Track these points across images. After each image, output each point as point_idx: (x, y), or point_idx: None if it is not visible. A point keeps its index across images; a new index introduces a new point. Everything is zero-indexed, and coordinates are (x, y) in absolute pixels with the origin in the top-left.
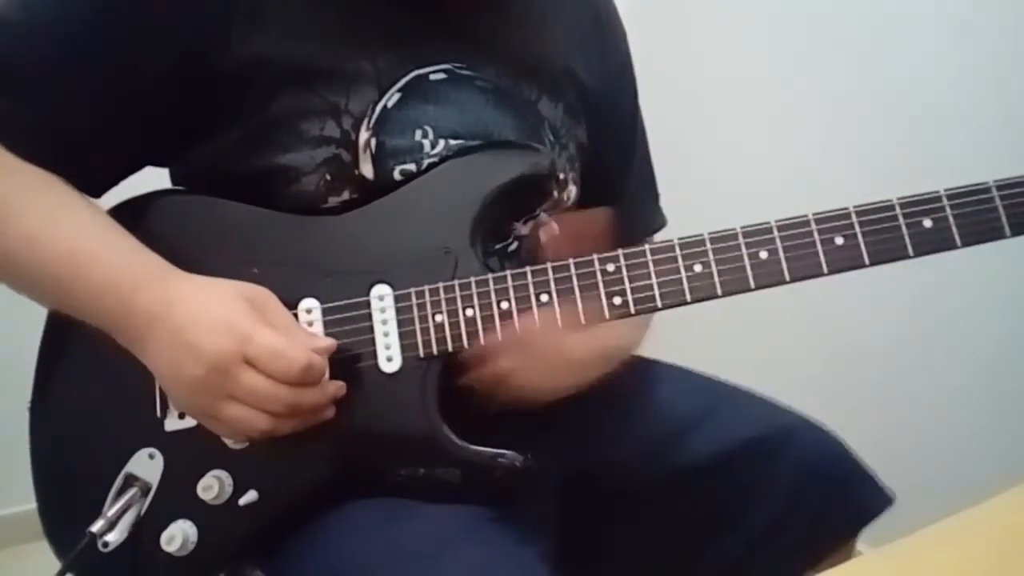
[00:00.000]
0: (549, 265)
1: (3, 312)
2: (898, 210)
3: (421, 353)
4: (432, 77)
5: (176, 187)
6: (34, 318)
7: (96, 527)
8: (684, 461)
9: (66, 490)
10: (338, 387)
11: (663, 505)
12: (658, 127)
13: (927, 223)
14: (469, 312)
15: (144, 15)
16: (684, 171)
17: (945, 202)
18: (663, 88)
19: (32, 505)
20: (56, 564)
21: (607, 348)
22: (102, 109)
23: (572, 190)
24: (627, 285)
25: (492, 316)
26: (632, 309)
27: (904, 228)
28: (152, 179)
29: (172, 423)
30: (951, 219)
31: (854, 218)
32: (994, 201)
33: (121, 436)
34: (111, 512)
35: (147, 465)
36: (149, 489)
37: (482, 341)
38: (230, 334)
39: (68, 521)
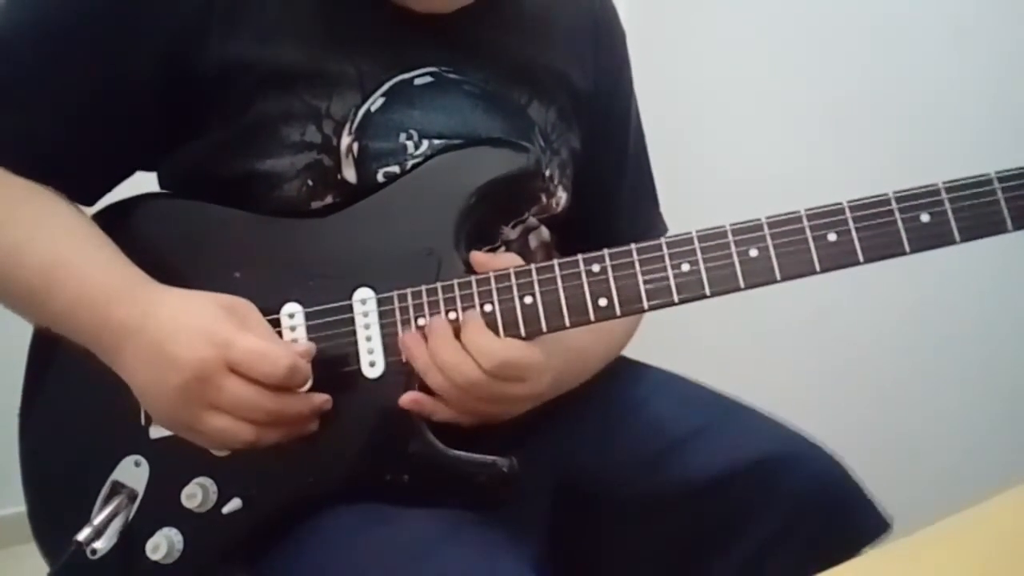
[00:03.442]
0: (533, 266)
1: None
2: (894, 204)
3: (404, 358)
4: (417, 82)
5: (162, 191)
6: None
7: (83, 535)
8: (679, 477)
9: (55, 497)
10: (324, 400)
11: (657, 519)
12: (658, 127)
13: (924, 217)
14: (452, 315)
15: (122, 21)
16: (683, 171)
17: (944, 195)
18: (663, 88)
19: None
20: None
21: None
22: (86, 117)
23: (562, 196)
24: (612, 286)
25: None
26: (618, 311)
27: (900, 223)
28: (141, 182)
29: (157, 430)
30: (950, 213)
31: (848, 213)
32: (995, 193)
33: (107, 443)
34: (98, 520)
35: (133, 472)
36: (135, 496)
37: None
38: (210, 342)
39: (57, 527)
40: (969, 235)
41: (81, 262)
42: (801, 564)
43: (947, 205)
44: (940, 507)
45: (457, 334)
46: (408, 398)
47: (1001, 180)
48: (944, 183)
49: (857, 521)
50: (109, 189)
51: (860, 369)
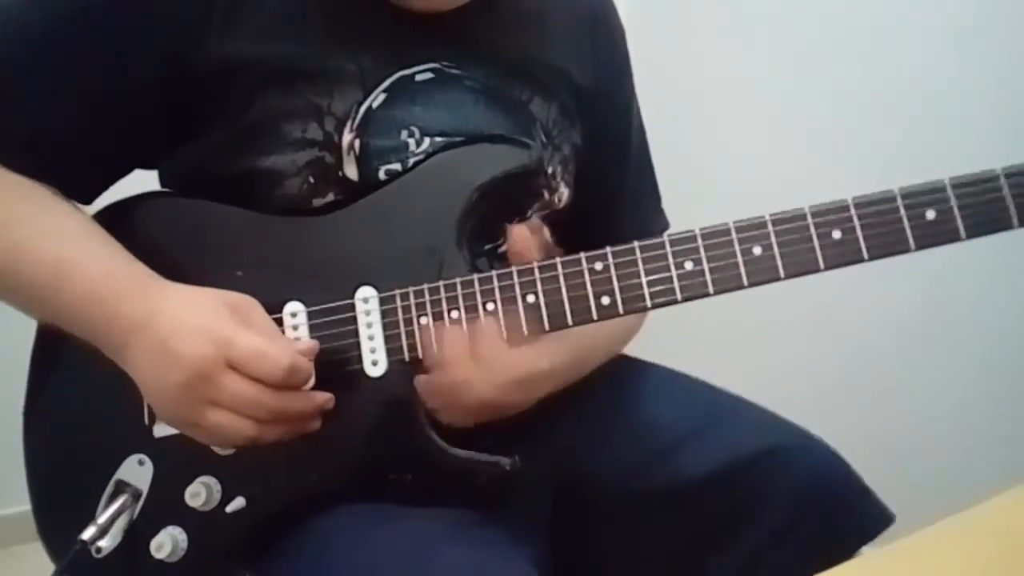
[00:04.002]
0: (536, 264)
1: (2, 313)
2: (899, 201)
3: (406, 356)
4: (418, 78)
5: (163, 189)
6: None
7: (87, 534)
8: (680, 475)
9: (60, 495)
10: (327, 399)
11: (658, 517)
12: (658, 127)
13: (930, 214)
14: (455, 314)
15: (122, 18)
16: (684, 171)
17: (949, 191)
18: (663, 88)
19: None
20: (53, 566)
21: (569, 354)
22: (86, 115)
23: (564, 192)
24: (615, 284)
25: (478, 318)
26: (620, 309)
27: (906, 220)
28: (141, 181)
29: (161, 429)
30: (956, 209)
31: (852, 211)
32: (1002, 190)
33: (112, 442)
34: (102, 518)
35: (137, 471)
36: (140, 495)
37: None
38: (211, 339)
39: (62, 525)
40: (975, 232)
41: (87, 259)
42: (803, 558)
43: (953, 202)
44: (940, 507)
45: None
46: (422, 379)
47: (1008, 176)
48: (950, 179)
49: (859, 515)
50: (106, 188)
51: (860, 368)
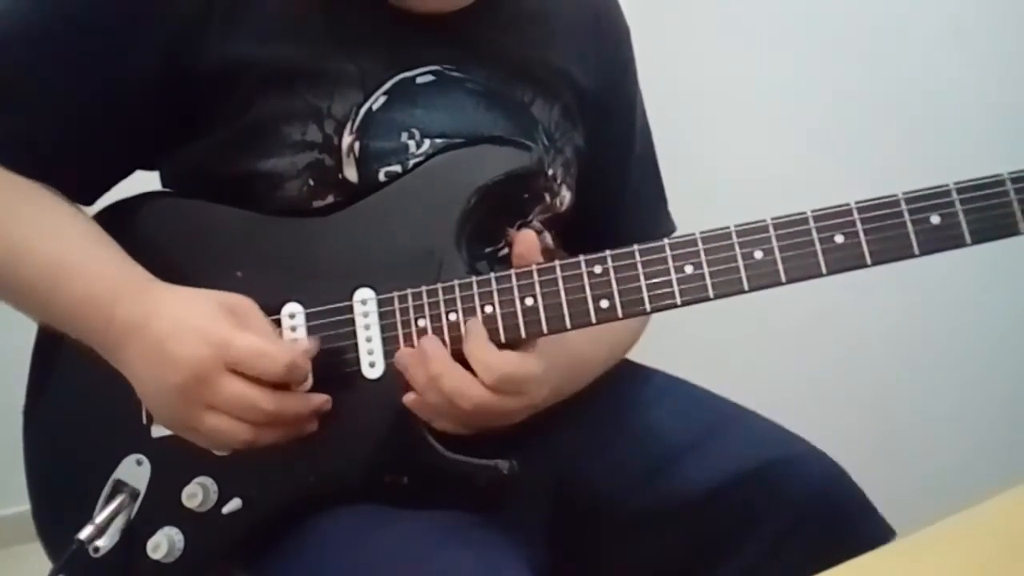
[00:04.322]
0: (534, 267)
1: (3, 313)
2: (903, 206)
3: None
4: (419, 80)
5: (164, 189)
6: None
7: (84, 534)
8: (681, 485)
9: (58, 495)
10: (324, 400)
11: (658, 527)
12: (658, 127)
13: (935, 219)
14: (452, 316)
15: (122, 19)
16: (683, 171)
17: (955, 196)
18: (663, 88)
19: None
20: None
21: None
22: (86, 116)
23: (566, 195)
24: (615, 288)
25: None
26: (619, 313)
27: (910, 225)
28: (142, 181)
29: (159, 429)
30: (961, 214)
31: (855, 215)
32: (1008, 195)
33: (110, 442)
34: (100, 518)
35: (135, 471)
36: (137, 495)
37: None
38: (208, 341)
39: (60, 525)
40: (980, 237)
41: (85, 261)
42: (802, 570)
43: (958, 206)
44: (940, 507)
45: (455, 342)
46: (411, 398)
47: (1014, 181)
48: (955, 184)
49: (859, 528)
50: (108, 188)
51: (860, 369)
